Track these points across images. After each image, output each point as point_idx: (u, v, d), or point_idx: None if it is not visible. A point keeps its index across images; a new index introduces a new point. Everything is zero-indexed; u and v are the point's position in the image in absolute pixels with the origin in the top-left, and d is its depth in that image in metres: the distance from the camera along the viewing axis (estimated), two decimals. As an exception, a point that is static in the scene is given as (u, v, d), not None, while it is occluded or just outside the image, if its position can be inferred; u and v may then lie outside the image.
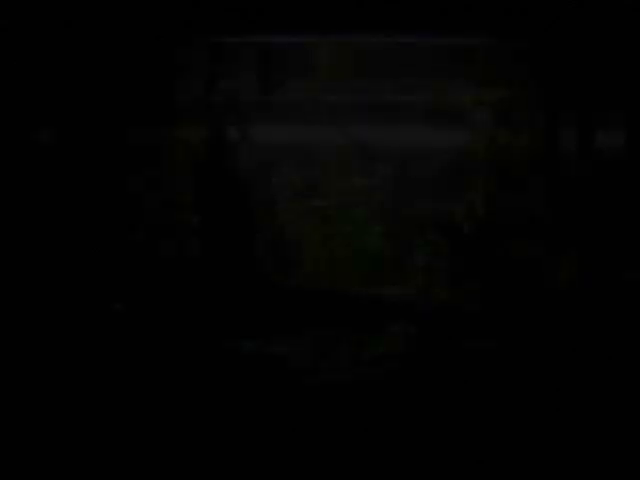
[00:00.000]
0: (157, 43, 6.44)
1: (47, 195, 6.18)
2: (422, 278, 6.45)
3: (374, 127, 7.13)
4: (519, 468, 5.19)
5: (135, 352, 5.90)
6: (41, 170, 6.27)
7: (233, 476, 5.18)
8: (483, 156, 6.81)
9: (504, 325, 6.12)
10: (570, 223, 6.38)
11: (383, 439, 5.37)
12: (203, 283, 6.30)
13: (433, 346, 6.08)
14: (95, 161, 6.25)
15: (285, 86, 7.36)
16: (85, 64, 6.11)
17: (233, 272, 6.49)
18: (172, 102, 6.62)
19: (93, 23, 5.96)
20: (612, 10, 5.94)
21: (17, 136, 6.14)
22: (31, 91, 6.08)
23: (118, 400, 5.55)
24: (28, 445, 5.27)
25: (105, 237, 6.18)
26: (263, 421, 5.47)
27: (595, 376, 5.71)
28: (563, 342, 5.92)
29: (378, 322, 6.33)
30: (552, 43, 6.33)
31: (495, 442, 5.35)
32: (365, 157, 6.94)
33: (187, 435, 5.35)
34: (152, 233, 6.31)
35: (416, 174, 7.00)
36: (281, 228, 6.80)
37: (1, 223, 6.06)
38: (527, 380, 5.70)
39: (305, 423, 5.48)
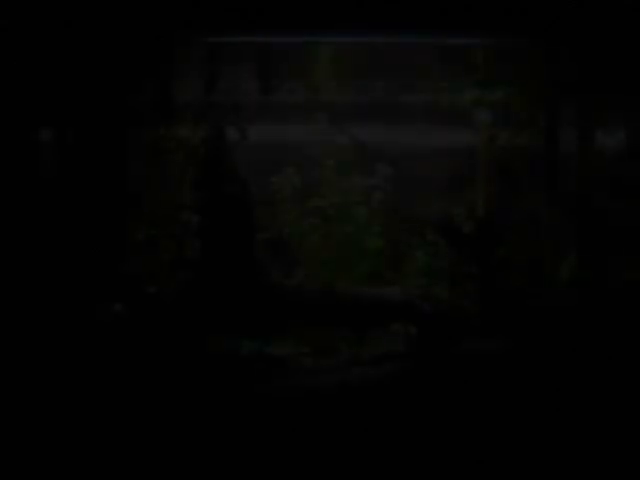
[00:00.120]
0: (157, 43, 6.44)
1: (47, 195, 6.18)
2: (422, 278, 6.45)
3: (374, 127, 7.13)
4: (519, 468, 5.19)
5: (135, 351, 5.90)
6: (41, 170, 6.26)
7: (233, 476, 5.18)
8: (483, 156, 6.81)
9: (504, 325, 6.12)
10: (570, 223, 6.38)
11: (383, 439, 5.37)
12: (203, 283, 6.30)
13: (433, 346, 6.07)
14: (95, 161, 6.24)
15: (285, 86, 7.36)
16: (85, 64, 6.11)
17: (233, 272, 6.48)
18: (172, 102, 6.62)
19: (93, 23, 5.96)
20: (612, 10, 5.95)
21: (17, 136, 6.14)
22: (32, 91, 6.08)
23: (118, 399, 5.55)
24: (28, 444, 5.27)
25: (105, 237, 6.18)
26: (263, 421, 5.47)
27: (595, 376, 5.71)
28: (563, 342, 5.92)
29: (378, 322, 6.32)
30: (552, 43, 6.33)
31: (495, 442, 5.35)
32: (365, 157, 6.94)
33: (187, 435, 5.34)
34: (152, 233, 6.30)
35: (416, 174, 7.00)
36: (281, 228, 6.79)
37: (1, 223, 6.06)
38: (527, 380, 5.70)
39: (305, 423, 5.48)
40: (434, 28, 6.06)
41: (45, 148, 6.33)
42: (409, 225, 6.80)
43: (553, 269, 6.32)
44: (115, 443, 5.27)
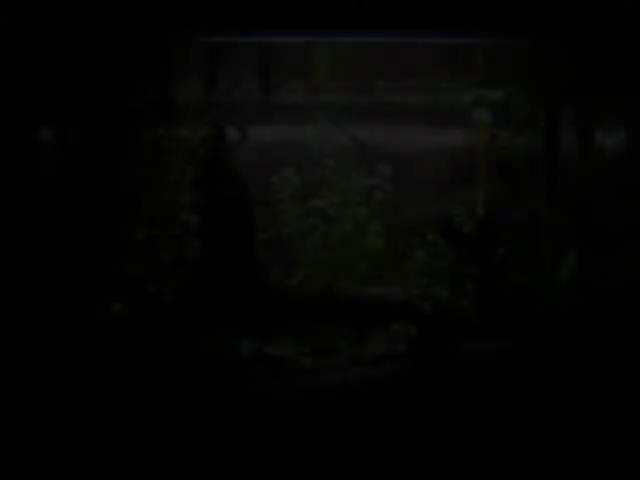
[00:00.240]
0: (157, 43, 6.44)
1: (47, 195, 6.18)
2: (422, 278, 6.44)
3: (374, 127, 7.13)
4: (519, 468, 5.19)
5: (135, 351, 5.90)
6: (41, 170, 6.26)
7: (233, 476, 5.18)
8: (483, 156, 6.81)
9: (504, 325, 6.11)
10: (570, 223, 6.38)
11: (383, 439, 5.37)
12: (203, 283, 6.30)
13: (433, 346, 6.07)
14: (95, 161, 6.24)
15: (285, 86, 7.36)
16: (85, 64, 6.11)
17: (233, 272, 6.48)
18: (172, 102, 6.62)
19: (93, 23, 5.96)
20: (612, 10, 5.95)
21: (17, 136, 6.14)
22: (32, 91, 6.08)
23: (118, 399, 5.56)
24: (28, 444, 5.27)
25: (105, 237, 6.18)
26: (263, 421, 5.47)
27: (595, 376, 5.71)
28: (563, 342, 5.92)
29: (378, 322, 6.32)
30: (552, 43, 6.33)
31: (495, 441, 5.35)
32: (365, 157, 6.94)
33: (187, 435, 5.35)
34: (152, 233, 6.30)
35: (416, 174, 7.00)
36: (281, 228, 6.79)
37: (1, 223, 6.06)
38: (527, 380, 5.70)
39: (305, 423, 5.48)
40: (434, 28, 6.06)
41: (45, 148, 6.34)
42: (409, 225, 6.80)
43: (553, 269, 6.32)
44: (115, 443, 5.27)
